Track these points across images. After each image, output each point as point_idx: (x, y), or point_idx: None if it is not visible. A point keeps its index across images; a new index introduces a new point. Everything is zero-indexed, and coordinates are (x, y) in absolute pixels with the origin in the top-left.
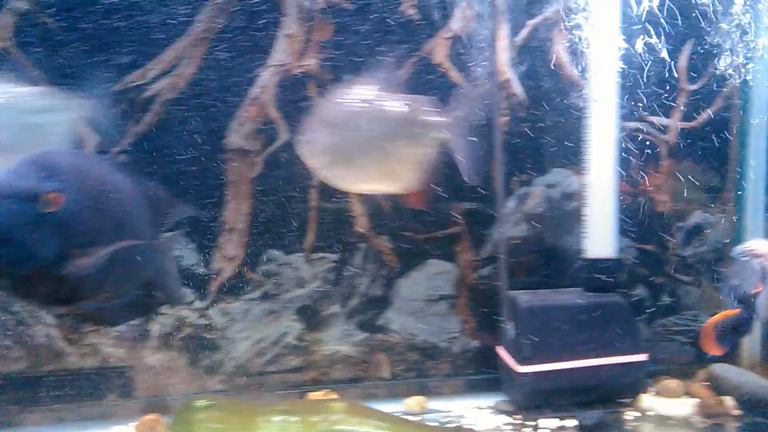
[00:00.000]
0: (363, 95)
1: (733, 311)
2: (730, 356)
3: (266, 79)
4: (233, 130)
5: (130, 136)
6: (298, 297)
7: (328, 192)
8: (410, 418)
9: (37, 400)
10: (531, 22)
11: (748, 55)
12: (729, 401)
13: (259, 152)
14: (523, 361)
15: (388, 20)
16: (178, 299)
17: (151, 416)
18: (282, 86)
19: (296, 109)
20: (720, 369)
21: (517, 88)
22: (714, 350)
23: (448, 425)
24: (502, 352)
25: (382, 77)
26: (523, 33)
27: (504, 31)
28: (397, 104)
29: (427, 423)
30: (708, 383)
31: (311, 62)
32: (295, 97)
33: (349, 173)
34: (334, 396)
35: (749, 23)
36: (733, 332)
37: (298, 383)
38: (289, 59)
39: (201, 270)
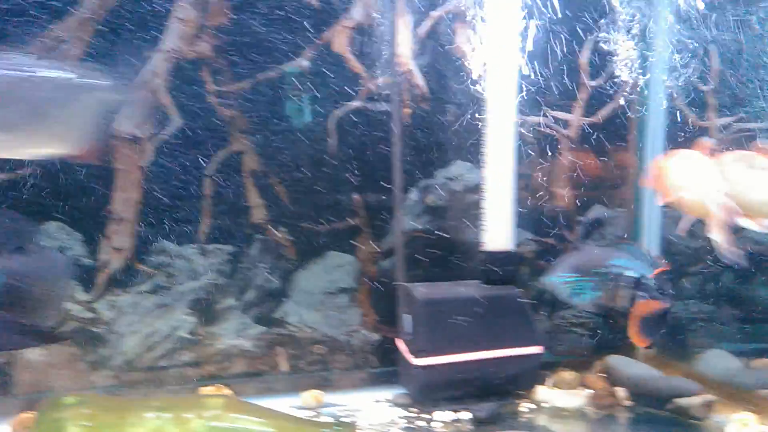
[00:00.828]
0: (20, 64)
1: (654, 304)
2: (655, 347)
3: (157, 64)
4: (122, 115)
5: None
6: (191, 290)
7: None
8: (306, 412)
9: None
10: (433, 14)
11: (646, 53)
12: (621, 392)
13: (150, 139)
14: (418, 353)
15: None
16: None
17: (29, 414)
18: (174, 72)
19: (189, 95)
20: (613, 361)
21: (419, 80)
22: (640, 342)
23: (341, 419)
24: (400, 344)
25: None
26: (426, 25)
27: (406, 22)
28: (57, 71)
29: (318, 418)
30: (603, 374)
31: (205, 47)
32: (188, 83)
33: (11, 139)
34: (226, 391)
35: (646, 24)
36: (655, 324)
37: (192, 378)
38: (182, 44)
39: (87, 261)
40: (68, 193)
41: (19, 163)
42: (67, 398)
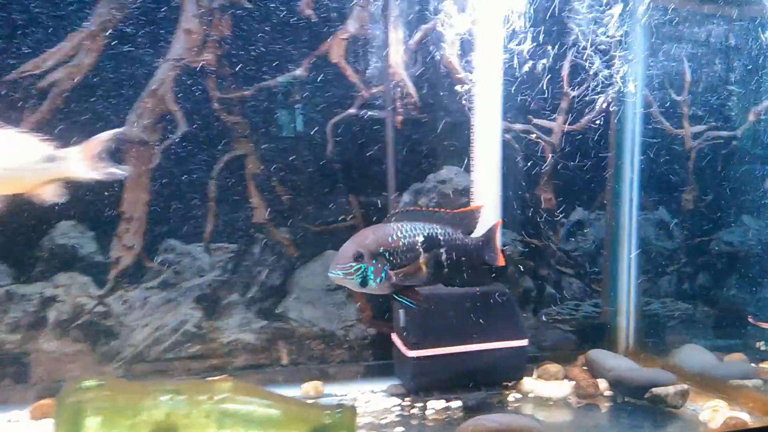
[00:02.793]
0: None
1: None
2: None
3: (164, 72)
4: (131, 121)
5: (27, 125)
6: (197, 286)
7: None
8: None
9: None
10: (423, 27)
11: (624, 63)
12: (602, 383)
13: (158, 143)
14: (411, 346)
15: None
16: None
17: (46, 401)
18: (180, 80)
19: (194, 103)
20: (595, 354)
21: (411, 89)
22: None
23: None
24: (395, 338)
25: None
26: (416, 37)
27: (398, 34)
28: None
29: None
30: (585, 367)
31: (209, 57)
32: (194, 91)
33: None
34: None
35: (625, 32)
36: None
37: (198, 370)
38: (188, 54)
39: (99, 258)
40: (80, 193)
41: None
42: (86, 382)
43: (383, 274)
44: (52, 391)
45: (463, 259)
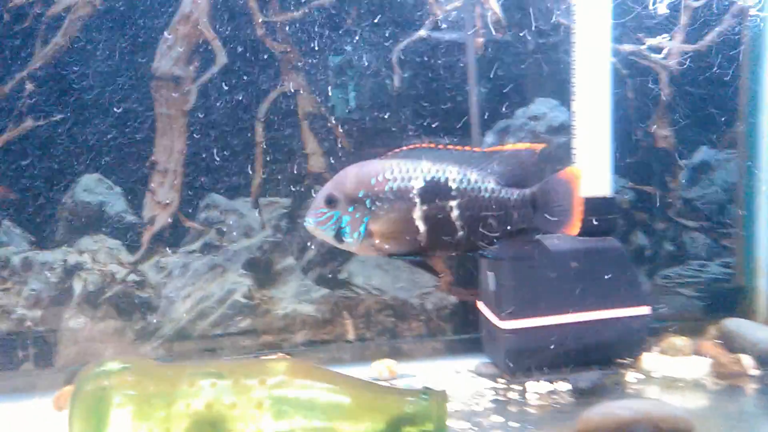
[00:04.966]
0: None
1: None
2: None
3: None
4: (160, 53)
5: (36, 61)
6: (245, 248)
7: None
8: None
9: None
10: None
11: None
12: (746, 359)
13: (193, 80)
14: (505, 316)
15: None
16: None
17: (71, 387)
18: (217, 1)
19: (235, 28)
20: (734, 324)
21: (494, 4)
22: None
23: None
24: (482, 307)
25: None
26: None
27: None
28: None
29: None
30: (720, 340)
31: None
32: (234, 14)
33: None
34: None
35: None
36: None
37: (250, 348)
38: None
39: (131, 218)
40: (107, 142)
41: (51, 110)
42: (109, 364)
43: (362, 229)
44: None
45: (491, 220)
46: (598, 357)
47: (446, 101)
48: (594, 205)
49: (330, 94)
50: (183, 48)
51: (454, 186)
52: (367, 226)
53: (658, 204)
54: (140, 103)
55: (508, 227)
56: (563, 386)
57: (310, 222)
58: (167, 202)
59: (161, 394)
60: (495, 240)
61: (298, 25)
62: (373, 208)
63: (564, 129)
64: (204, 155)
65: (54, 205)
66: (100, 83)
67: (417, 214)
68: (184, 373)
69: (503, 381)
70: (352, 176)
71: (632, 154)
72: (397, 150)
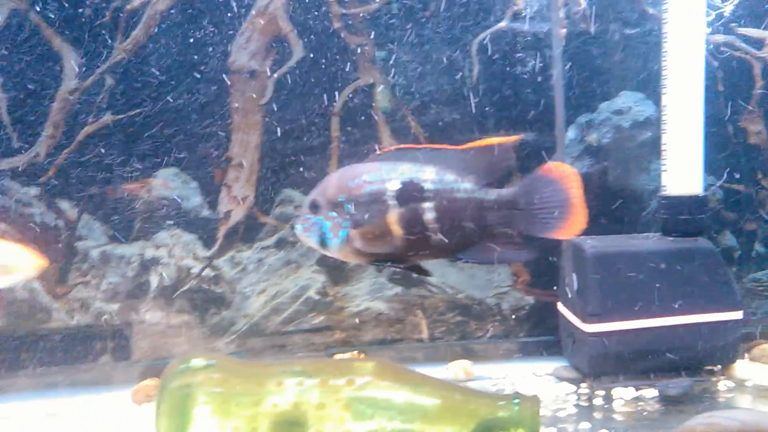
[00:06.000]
0: None
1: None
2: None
3: None
4: (237, 47)
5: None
6: None
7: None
8: None
9: (20, 364)
10: None
11: None
12: None
13: (270, 73)
14: (589, 318)
15: None
16: None
17: (150, 382)
18: None
19: (312, 21)
20: None
21: None
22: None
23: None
24: (562, 308)
25: None
26: None
27: None
28: None
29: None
30: None
31: None
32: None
33: None
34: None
35: None
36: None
37: (322, 345)
38: None
39: (206, 213)
40: (183, 136)
41: (131, 104)
42: (195, 361)
43: (342, 234)
44: (157, 370)
45: (468, 221)
46: (686, 363)
47: (527, 94)
48: (683, 205)
49: (406, 87)
50: (259, 41)
51: (429, 187)
52: (347, 230)
53: (749, 203)
54: (217, 97)
55: (487, 229)
56: (649, 393)
57: (298, 229)
58: (243, 197)
59: (247, 393)
60: (475, 242)
61: (376, 17)
62: (352, 213)
63: (649, 124)
64: (279, 150)
65: (132, 199)
66: (177, 77)
67: (393, 217)
68: (271, 372)
69: (585, 386)
70: (334, 181)
71: (723, 150)
72: (382, 152)
